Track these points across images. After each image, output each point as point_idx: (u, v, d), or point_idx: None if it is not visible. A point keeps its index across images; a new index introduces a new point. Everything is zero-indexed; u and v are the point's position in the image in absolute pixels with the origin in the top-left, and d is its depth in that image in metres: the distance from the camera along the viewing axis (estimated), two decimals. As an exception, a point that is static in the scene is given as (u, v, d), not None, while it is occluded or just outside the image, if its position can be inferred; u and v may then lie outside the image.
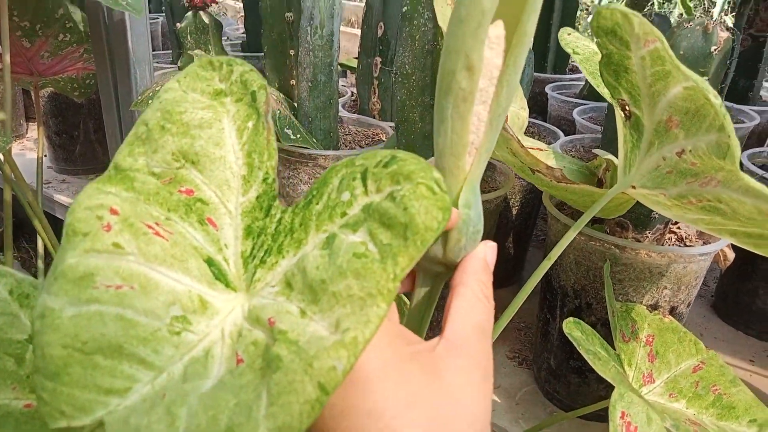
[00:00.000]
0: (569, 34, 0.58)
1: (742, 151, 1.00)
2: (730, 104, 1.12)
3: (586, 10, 3.16)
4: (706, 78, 0.52)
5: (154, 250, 0.25)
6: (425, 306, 0.32)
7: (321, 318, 0.22)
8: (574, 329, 0.54)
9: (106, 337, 0.22)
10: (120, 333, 0.22)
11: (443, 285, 0.32)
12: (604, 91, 0.42)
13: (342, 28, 2.89)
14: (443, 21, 0.51)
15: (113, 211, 0.25)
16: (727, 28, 0.98)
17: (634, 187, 0.47)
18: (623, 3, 1.10)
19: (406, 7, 0.61)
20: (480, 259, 0.29)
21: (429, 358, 0.25)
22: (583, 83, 1.26)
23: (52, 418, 0.21)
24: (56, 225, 1.38)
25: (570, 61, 1.43)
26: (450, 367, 0.25)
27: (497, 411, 0.77)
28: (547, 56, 1.38)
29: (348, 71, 1.88)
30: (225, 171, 0.28)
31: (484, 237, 0.30)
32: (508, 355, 0.88)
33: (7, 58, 0.71)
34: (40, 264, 0.95)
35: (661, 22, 0.70)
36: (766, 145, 1.16)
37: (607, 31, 0.38)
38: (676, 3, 2.75)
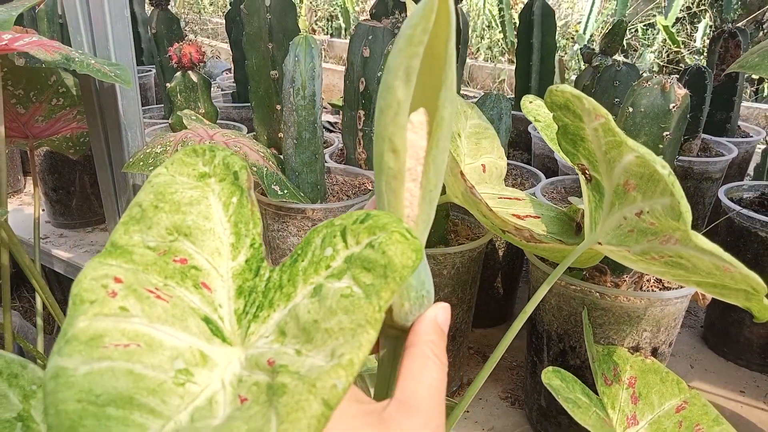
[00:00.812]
0: (531, 102, 0.61)
1: (722, 184, 1.02)
2: (709, 137, 1.15)
3: (572, 38, 3.23)
4: (668, 133, 0.55)
5: (157, 311, 0.27)
6: (390, 368, 0.34)
7: (316, 353, 0.24)
8: (553, 378, 0.56)
9: (118, 390, 0.24)
10: (131, 386, 0.24)
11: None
12: (564, 157, 0.45)
13: (333, 66, 2.93)
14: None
15: (117, 280, 0.28)
16: (698, 69, 1.01)
17: (600, 244, 0.49)
18: (598, 42, 1.14)
19: (380, 72, 0.64)
20: (430, 320, 0.31)
21: (379, 417, 0.26)
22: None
23: None
24: (57, 278, 1.40)
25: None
26: (400, 426, 0.25)
27: (490, 455, 0.78)
28: (529, 95, 1.41)
29: (340, 110, 1.92)
30: (215, 241, 0.31)
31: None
32: (500, 396, 0.89)
33: (1, 129, 0.74)
34: (39, 321, 0.97)
35: (629, 71, 0.73)
36: (746, 176, 1.19)
37: (560, 106, 0.41)
38: (659, 30, 2.81)
